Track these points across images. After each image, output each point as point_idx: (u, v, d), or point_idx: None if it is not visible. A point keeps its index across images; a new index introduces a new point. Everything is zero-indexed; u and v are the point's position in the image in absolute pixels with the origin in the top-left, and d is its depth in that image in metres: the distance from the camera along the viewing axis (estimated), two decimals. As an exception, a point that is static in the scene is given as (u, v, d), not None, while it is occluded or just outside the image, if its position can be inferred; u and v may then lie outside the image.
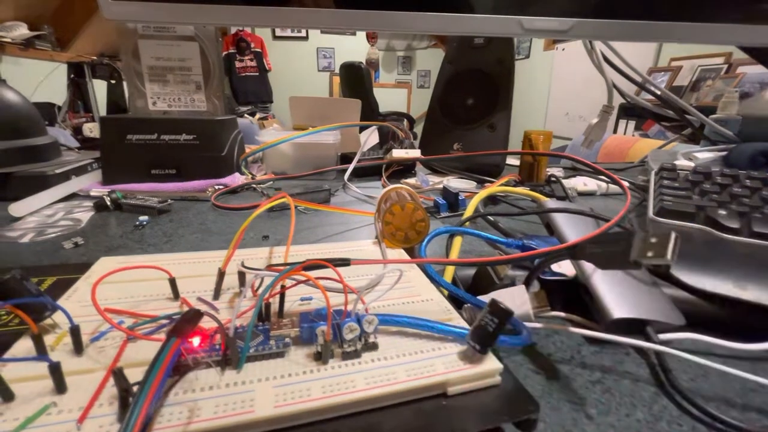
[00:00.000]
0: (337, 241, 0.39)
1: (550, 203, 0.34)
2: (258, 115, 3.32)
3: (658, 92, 0.66)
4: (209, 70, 0.58)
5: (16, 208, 0.43)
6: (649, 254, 0.17)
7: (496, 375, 0.18)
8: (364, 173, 0.65)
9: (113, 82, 1.48)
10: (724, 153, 0.54)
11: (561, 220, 0.31)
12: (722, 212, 0.33)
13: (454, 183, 0.57)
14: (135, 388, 0.14)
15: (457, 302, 0.24)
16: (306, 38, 4.67)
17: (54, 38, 2.55)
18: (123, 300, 0.22)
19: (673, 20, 0.40)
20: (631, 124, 2.69)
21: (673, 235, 0.17)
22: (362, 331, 0.18)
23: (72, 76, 1.65)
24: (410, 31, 0.39)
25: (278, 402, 0.15)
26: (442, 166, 0.64)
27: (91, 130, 1.35)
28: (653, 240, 0.17)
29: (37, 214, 0.45)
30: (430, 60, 5.08)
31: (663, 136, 2.08)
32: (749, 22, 0.40)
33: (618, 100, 0.71)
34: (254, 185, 0.57)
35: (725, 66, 2.28)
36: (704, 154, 0.55)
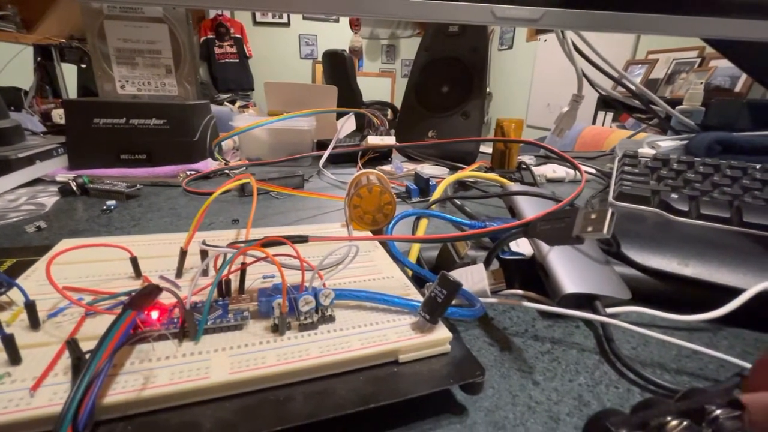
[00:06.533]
0: (308, 224, 0.39)
1: (513, 187, 0.36)
2: (238, 103, 3.24)
3: (629, 84, 0.68)
4: (180, 53, 0.57)
5: (-24, 193, 0.42)
6: (589, 229, 0.18)
7: (446, 343, 0.19)
8: (339, 160, 0.65)
9: (84, 66, 1.42)
10: (685, 142, 0.57)
11: (522, 203, 0.32)
12: (674, 196, 0.35)
13: (428, 169, 0.58)
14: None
15: (421, 282, 0.25)
16: (288, 24, 4.57)
17: (18, 19, 2.42)
18: (84, 279, 0.22)
19: (640, 11, 0.41)
20: (609, 115, 2.75)
21: (609, 211, 0.18)
22: (318, 304, 0.18)
23: (39, 59, 1.58)
24: (384, 17, 0.39)
25: (233, 369, 0.16)
26: (417, 153, 0.64)
27: (61, 116, 1.30)
28: (593, 216, 0.18)
29: None
30: (415, 49, 5.02)
31: (639, 128, 2.13)
32: (712, 14, 0.41)
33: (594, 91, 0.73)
34: (227, 171, 0.56)
35: (699, 59, 2.34)
36: (667, 143, 0.57)
